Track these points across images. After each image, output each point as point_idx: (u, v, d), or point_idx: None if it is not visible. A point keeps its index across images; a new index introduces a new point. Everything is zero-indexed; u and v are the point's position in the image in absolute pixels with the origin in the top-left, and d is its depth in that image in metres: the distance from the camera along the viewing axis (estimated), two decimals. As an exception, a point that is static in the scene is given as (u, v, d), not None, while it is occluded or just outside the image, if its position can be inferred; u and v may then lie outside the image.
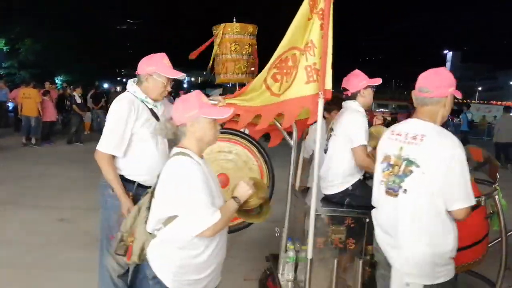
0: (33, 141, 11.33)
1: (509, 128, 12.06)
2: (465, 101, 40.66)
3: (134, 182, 2.87)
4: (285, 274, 3.39)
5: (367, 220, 2.98)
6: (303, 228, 3.23)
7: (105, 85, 36.27)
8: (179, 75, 2.88)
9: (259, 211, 2.35)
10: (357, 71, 3.24)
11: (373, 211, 2.51)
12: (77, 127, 12.16)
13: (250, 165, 3.49)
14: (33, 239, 4.74)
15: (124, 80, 50.97)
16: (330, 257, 3.10)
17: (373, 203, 2.50)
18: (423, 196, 2.15)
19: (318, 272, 3.06)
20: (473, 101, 42.97)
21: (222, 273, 2.27)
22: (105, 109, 16.17)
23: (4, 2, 27.51)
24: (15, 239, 4.74)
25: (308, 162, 4.67)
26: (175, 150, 2.13)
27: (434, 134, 2.18)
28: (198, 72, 62.48)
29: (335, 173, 3.18)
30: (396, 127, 2.41)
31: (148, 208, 2.17)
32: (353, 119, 3.14)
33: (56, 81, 29.38)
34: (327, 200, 3.31)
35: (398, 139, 2.30)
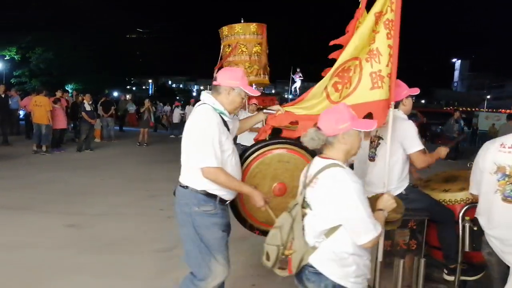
0: (44, 148, 11.50)
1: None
2: (474, 109, 40.54)
3: (216, 196, 2.81)
4: None
5: (426, 222, 3.35)
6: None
7: (115, 93, 36.57)
8: (257, 94, 3.20)
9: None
10: (398, 81, 3.33)
11: (483, 219, 2.88)
12: (87, 134, 12.30)
13: None
14: (41, 244, 4.82)
15: (134, 88, 51.48)
16: (396, 258, 3.36)
17: (482, 212, 2.89)
18: None
19: (385, 271, 3.31)
20: (482, 109, 42.74)
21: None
22: (115, 117, 16.41)
23: (15, 11, 27.95)
24: (23, 243, 4.82)
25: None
26: (327, 161, 2.19)
27: None
28: (206, 80, 62.77)
29: (390, 179, 3.25)
30: (507, 140, 2.78)
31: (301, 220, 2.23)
32: (405, 127, 3.30)
33: (67, 89, 29.68)
34: None
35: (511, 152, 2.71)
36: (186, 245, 2.88)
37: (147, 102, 15.30)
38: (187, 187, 2.81)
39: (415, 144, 3.26)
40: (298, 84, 29.27)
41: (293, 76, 27.64)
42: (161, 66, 62.55)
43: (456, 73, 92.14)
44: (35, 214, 5.94)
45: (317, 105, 3.24)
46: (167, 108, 25.53)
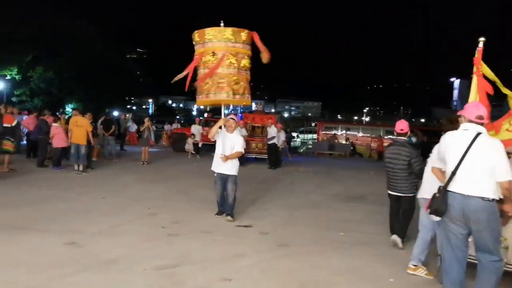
0: (81, 168, 11.65)
1: None
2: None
3: None
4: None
5: None
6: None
7: (115, 113, 36.69)
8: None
9: None
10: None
11: None
12: (87, 153, 12.28)
13: None
14: (40, 262, 4.75)
15: (134, 107, 51.65)
16: None
17: None
18: None
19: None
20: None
21: None
22: (115, 136, 16.41)
23: (15, 31, 28.19)
24: (21, 261, 4.76)
25: None
26: None
27: None
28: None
29: None
30: None
31: None
32: None
33: (67, 109, 29.80)
34: None
35: None
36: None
37: (147, 121, 15.31)
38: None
39: None
40: None
41: None
42: (161, 85, 62.86)
43: (456, 92, 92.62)
44: (35, 232, 5.87)
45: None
46: (166, 127, 25.72)
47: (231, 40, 6.73)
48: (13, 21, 28.36)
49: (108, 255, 5.10)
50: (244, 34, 6.81)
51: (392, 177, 5.89)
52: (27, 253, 5.06)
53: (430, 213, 3.87)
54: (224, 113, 7.21)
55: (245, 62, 6.94)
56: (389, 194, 6.06)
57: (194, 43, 7.10)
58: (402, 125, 5.90)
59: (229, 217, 7.01)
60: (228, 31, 6.71)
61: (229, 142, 6.98)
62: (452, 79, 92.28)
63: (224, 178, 7.06)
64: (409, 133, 5.93)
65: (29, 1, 31.08)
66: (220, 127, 7.08)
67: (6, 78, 30.14)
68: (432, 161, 4.51)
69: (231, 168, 7.01)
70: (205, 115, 34.29)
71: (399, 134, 5.91)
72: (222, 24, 6.80)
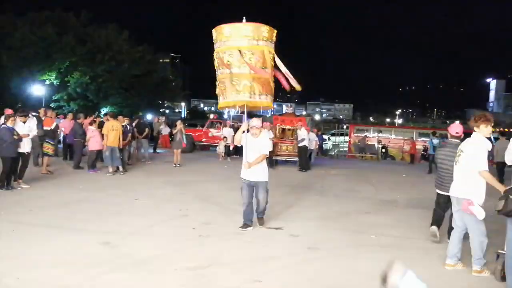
0: (121, 168, 12.15)
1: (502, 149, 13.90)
2: (510, 129, 39.32)
3: None
4: None
5: None
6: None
7: (149, 116, 37.38)
8: None
9: None
10: None
11: None
12: (121, 156, 12.55)
13: None
14: (75, 261, 4.89)
15: (167, 111, 52.49)
16: None
17: None
18: None
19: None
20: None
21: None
22: (148, 138, 16.71)
23: (57, 40, 29.23)
24: (57, 261, 4.90)
25: None
26: None
27: None
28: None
29: None
30: None
31: None
32: None
33: (102, 112, 30.55)
34: None
35: None
36: None
37: (179, 124, 15.51)
38: None
39: None
40: None
41: None
42: (193, 89, 63.75)
43: (492, 93, 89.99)
44: (71, 232, 6.05)
45: None
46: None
47: (267, 39, 6.36)
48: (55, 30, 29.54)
49: (140, 255, 5.20)
50: (265, 30, 6.36)
51: (443, 176, 6.10)
52: (62, 252, 5.22)
53: (503, 214, 4.20)
54: (246, 117, 6.80)
55: (268, 60, 6.38)
56: (438, 194, 6.30)
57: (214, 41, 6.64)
58: (458, 129, 6.20)
59: (261, 221, 6.79)
60: (264, 28, 6.32)
61: (255, 146, 6.51)
62: (488, 80, 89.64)
63: (252, 185, 6.56)
64: (462, 136, 6.10)
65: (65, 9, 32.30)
66: (243, 131, 6.63)
67: (46, 83, 31.21)
68: (483, 164, 4.71)
69: (260, 174, 6.51)
70: (211, 116, 34.56)
71: (453, 137, 6.16)
72: (244, 20, 6.31)
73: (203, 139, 22.29)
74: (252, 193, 6.58)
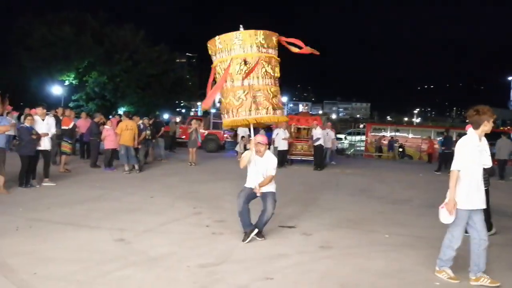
0: (136, 167, 12.35)
1: (503, 147, 15.17)
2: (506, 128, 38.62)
3: None
4: None
5: None
6: None
7: (165, 115, 37.66)
8: None
9: None
10: None
11: None
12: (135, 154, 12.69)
13: None
14: (90, 258, 4.97)
15: (183, 110, 52.75)
16: None
17: None
18: None
19: None
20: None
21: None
22: (164, 137, 16.86)
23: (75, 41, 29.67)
24: (73, 257, 4.99)
25: None
26: None
27: None
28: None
29: None
30: None
31: None
32: None
33: (119, 112, 30.91)
34: None
35: None
36: None
37: (194, 123, 15.62)
38: None
39: None
40: None
41: None
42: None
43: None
44: (87, 229, 6.15)
45: None
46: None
47: (263, 46, 5.76)
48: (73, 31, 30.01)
49: (154, 252, 5.26)
50: (275, 38, 5.91)
51: None
52: (78, 248, 5.31)
53: None
54: (251, 134, 6.20)
55: (277, 70, 5.97)
56: None
57: (211, 52, 6.16)
58: None
59: (260, 236, 5.97)
60: (261, 34, 5.75)
61: (261, 167, 5.92)
62: (509, 78, 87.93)
63: (254, 195, 5.94)
64: None
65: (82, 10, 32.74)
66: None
67: (65, 84, 31.71)
68: (455, 164, 4.70)
69: (269, 185, 5.94)
70: (191, 113, 34.64)
71: None
72: (241, 28, 5.81)
73: (183, 136, 21.84)
74: (248, 203, 5.96)
